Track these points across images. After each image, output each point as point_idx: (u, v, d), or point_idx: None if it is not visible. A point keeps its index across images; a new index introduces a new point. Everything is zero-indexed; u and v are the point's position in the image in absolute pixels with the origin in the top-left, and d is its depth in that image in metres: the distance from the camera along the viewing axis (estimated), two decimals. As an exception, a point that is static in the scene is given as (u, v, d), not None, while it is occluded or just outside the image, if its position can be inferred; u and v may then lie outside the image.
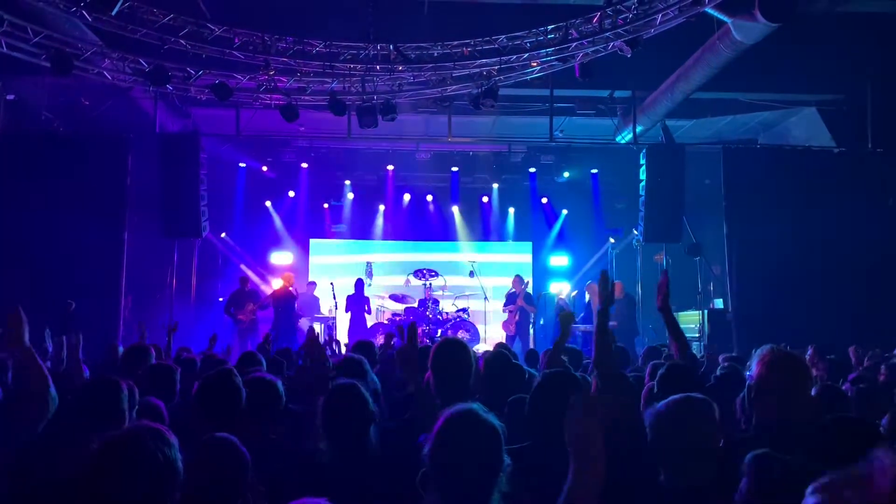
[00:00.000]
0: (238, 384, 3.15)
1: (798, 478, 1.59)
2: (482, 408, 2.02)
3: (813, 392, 3.39)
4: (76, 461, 2.58)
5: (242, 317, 11.84)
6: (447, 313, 13.07)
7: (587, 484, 1.67)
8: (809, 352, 5.29)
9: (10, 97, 11.04)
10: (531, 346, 11.61)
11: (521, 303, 12.65)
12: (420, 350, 5.08)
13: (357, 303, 12.91)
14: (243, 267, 14.13)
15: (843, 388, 4.13)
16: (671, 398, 2.36)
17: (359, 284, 13.11)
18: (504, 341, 12.01)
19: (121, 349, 6.08)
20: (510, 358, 4.06)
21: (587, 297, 12.53)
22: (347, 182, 15.07)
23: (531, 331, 12.87)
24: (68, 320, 5.36)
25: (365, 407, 2.84)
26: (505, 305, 12.91)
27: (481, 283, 13.23)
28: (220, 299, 13.68)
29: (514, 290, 12.90)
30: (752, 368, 2.81)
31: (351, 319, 12.82)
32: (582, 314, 11.88)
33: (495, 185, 15.34)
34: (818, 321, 10.04)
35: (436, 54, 9.57)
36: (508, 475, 1.93)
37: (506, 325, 12.77)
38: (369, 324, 12.96)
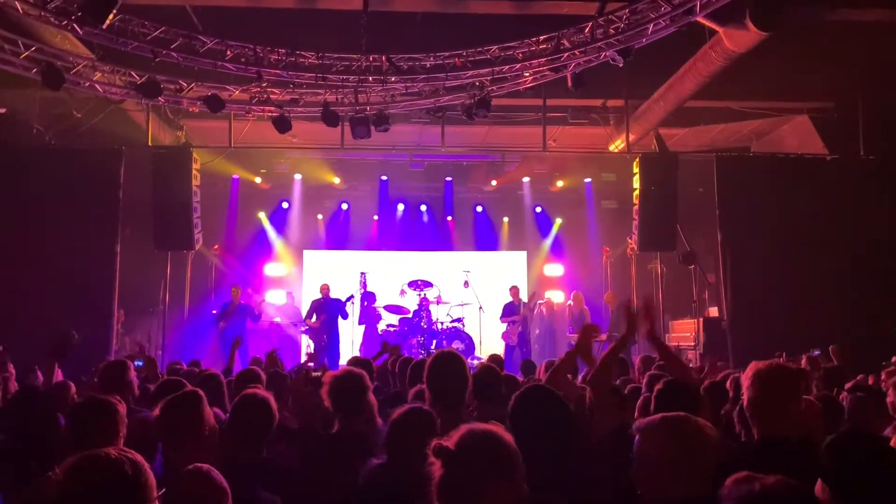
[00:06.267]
0: (199, 406, 2.90)
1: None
2: (502, 427, 2.01)
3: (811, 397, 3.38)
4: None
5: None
6: (442, 324, 13.02)
7: None
8: (803, 361, 5.27)
9: (2, 110, 10.99)
10: (531, 356, 11.54)
11: (525, 312, 12.59)
12: (416, 363, 5.04)
13: (368, 316, 13.04)
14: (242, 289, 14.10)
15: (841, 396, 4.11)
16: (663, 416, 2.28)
17: (368, 297, 13.15)
18: (503, 352, 11.97)
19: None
20: (498, 371, 3.99)
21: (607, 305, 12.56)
22: (341, 188, 14.99)
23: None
24: (67, 349, 5.25)
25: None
26: (502, 317, 12.83)
27: (476, 294, 13.18)
28: (214, 311, 13.59)
29: (513, 301, 12.83)
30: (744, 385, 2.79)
31: (365, 332, 12.98)
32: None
33: (489, 195, 15.32)
34: (813, 329, 10.02)
35: (428, 65, 9.57)
36: None
37: (507, 335, 12.65)
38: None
